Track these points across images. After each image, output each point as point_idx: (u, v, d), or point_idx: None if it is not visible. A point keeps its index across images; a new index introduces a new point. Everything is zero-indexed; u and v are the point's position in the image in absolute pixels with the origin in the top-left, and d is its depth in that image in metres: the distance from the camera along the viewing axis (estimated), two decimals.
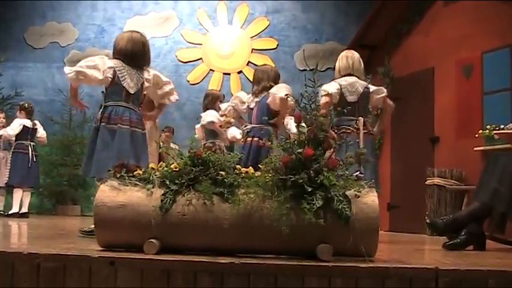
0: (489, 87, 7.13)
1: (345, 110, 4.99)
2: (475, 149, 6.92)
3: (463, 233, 4.16)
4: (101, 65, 4.47)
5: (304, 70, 11.82)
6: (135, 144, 4.45)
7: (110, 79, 4.47)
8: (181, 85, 11.69)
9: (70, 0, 12.60)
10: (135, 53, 4.61)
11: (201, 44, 12.41)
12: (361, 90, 5.39)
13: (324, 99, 5.29)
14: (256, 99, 5.76)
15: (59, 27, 12.55)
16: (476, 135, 6.92)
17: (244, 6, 12.52)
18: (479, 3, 7.35)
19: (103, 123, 4.43)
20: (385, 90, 5.65)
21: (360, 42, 9.07)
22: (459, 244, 4.12)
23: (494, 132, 6.00)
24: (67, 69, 4.53)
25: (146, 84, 4.62)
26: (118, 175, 2.96)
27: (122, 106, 4.48)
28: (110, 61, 4.55)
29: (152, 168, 2.98)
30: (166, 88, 4.76)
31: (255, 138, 5.58)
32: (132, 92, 4.52)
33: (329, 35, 12.30)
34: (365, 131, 5.28)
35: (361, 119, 5.30)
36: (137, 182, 2.92)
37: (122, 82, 4.49)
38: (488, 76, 7.17)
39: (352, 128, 5.28)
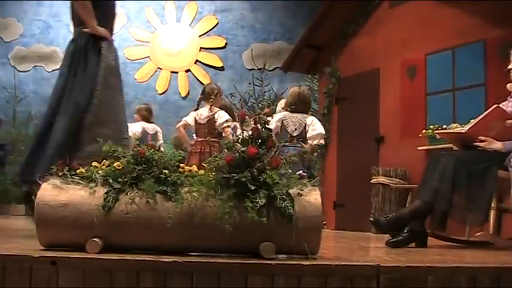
0: (432, 88, 7.28)
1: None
2: (419, 148, 7.05)
3: (405, 231, 4.23)
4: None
5: (252, 69, 11.89)
6: None
7: None
8: (128, 83, 11.59)
9: None
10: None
11: (148, 42, 12.33)
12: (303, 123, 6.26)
13: None
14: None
15: (2, 22, 12.29)
16: (420, 135, 7.05)
17: (193, 5, 12.48)
18: (424, 7, 7.49)
19: None
20: (319, 137, 6.33)
21: (307, 42, 9.14)
22: (402, 241, 4.19)
23: (436, 132, 6.13)
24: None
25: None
26: (60, 173, 2.92)
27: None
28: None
29: (95, 166, 2.94)
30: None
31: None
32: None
33: (277, 35, 12.37)
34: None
35: None
36: (80, 181, 2.88)
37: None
38: (431, 77, 7.32)
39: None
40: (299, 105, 6.24)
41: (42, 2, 12.36)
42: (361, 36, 8.58)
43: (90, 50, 4.40)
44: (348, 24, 8.74)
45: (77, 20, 4.51)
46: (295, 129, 6.17)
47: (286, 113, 6.31)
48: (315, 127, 6.24)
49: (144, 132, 8.24)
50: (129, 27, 12.25)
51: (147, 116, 8.49)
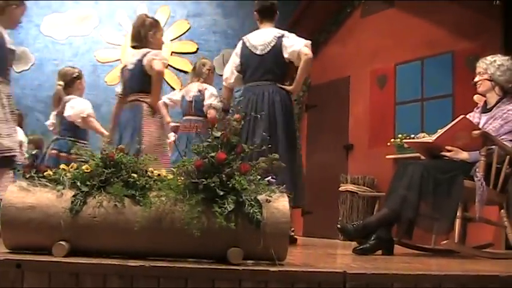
0: (401, 97, 7.37)
1: None
2: (387, 157, 7.12)
3: (372, 238, 4.25)
4: None
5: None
6: None
7: None
8: (98, 86, 11.52)
9: None
10: None
11: (120, 45, 12.25)
12: None
13: None
14: None
15: None
16: (388, 144, 7.12)
17: (166, 8, 12.42)
18: (394, 17, 7.58)
19: None
20: None
21: None
22: (368, 249, 4.22)
23: (404, 141, 6.20)
24: None
25: None
26: (27, 175, 2.89)
27: None
28: None
29: (63, 169, 2.92)
30: None
31: None
32: None
33: None
34: None
35: None
36: (47, 183, 2.85)
37: None
38: (400, 87, 7.41)
39: None
40: None
41: None
42: (332, 44, 8.64)
43: (287, 107, 5.48)
44: (320, 32, 8.80)
45: (274, 76, 5.69)
46: None
47: None
48: None
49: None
50: (100, 29, 12.15)
51: (20, 122, 8.24)
